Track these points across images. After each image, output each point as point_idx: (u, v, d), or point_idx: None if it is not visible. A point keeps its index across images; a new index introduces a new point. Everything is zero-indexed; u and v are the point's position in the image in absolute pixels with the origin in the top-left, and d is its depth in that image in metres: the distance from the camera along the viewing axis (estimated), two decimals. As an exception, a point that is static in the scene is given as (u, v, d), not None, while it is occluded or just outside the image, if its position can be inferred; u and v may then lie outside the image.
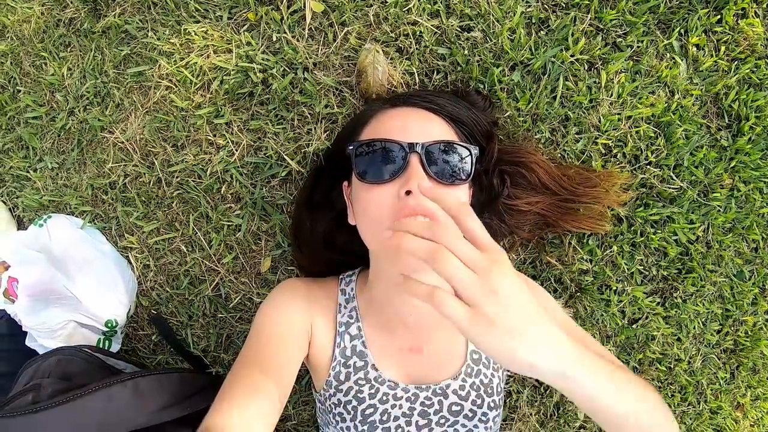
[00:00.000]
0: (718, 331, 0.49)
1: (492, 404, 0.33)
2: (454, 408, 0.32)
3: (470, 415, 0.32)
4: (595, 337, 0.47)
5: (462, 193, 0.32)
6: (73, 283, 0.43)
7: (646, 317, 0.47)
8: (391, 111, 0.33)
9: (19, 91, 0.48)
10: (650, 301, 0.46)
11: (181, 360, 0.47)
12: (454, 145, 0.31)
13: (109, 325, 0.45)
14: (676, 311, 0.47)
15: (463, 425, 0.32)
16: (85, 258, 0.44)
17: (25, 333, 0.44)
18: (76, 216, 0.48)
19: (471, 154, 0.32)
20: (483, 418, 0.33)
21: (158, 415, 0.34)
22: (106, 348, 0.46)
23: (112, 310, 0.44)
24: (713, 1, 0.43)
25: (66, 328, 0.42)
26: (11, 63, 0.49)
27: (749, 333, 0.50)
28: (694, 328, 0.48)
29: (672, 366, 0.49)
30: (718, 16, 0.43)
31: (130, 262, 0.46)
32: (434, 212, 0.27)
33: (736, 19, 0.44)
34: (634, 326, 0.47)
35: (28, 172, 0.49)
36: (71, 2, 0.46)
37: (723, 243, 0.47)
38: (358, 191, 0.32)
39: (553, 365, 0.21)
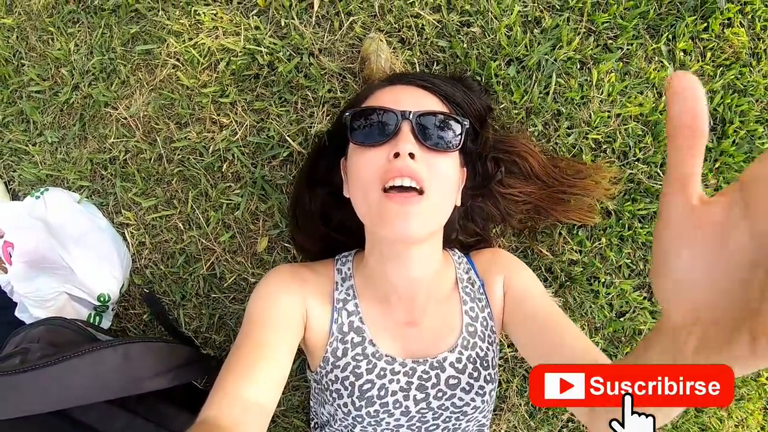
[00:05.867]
0: (703, 328, 0.52)
1: (488, 377, 0.34)
2: (451, 381, 0.33)
3: (467, 388, 0.33)
4: (583, 329, 0.49)
5: (452, 165, 0.33)
6: (68, 254, 0.44)
7: (634, 311, 0.50)
8: (388, 87, 0.35)
9: (24, 64, 0.50)
10: (637, 295, 0.49)
11: (172, 340, 0.49)
12: (446, 117, 0.33)
13: (102, 299, 0.46)
14: (662, 306, 0.50)
15: (460, 398, 0.33)
16: (81, 230, 0.46)
17: (14, 305, 0.45)
18: (74, 191, 0.49)
19: (462, 126, 0.33)
20: (480, 392, 0.34)
21: (146, 383, 0.35)
22: (96, 324, 0.47)
23: (106, 284, 0.46)
24: (700, 10, 0.47)
25: (58, 299, 0.44)
26: (17, 37, 0.51)
27: (733, 331, 0.53)
28: (680, 323, 0.51)
29: (658, 361, 0.51)
30: (705, 24, 0.47)
31: (125, 239, 0.48)
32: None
33: (722, 27, 0.48)
34: (621, 319, 0.49)
35: (27, 145, 0.51)
36: (81, -20, 0.48)
37: (708, 241, 0.50)
38: (352, 156, 0.34)
39: None
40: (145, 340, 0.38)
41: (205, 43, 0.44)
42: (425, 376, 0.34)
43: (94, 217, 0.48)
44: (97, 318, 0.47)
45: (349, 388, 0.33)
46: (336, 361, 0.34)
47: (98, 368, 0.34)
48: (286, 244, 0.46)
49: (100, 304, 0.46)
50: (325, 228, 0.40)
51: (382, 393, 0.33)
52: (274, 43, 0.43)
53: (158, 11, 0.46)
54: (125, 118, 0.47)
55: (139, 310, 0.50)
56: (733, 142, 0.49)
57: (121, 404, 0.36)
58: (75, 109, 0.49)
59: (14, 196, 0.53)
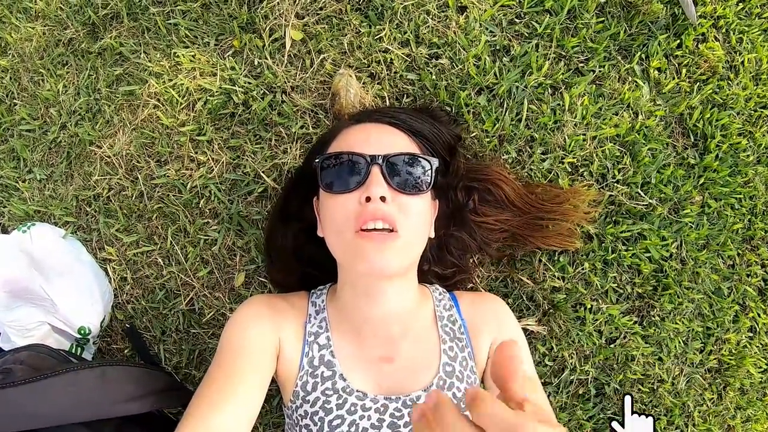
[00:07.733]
0: (701, 351, 0.50)
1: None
2: None
3: None
4: (572, 357, 0.48)
5: (423, 203, 0.34)
6: (50, 287, 0.45)
7: (624, 336, 0.48)
8: (355, 126, 0.36)
9: (16, 104, 0.53)
10: (627, 320, 0.48)
11: (151, 367, 0.49)
12: (415, 157, 0.34)
13: (82, 332, 0.47)
14: (655, 330, 0.49)
15: None
16: (64, 265, 0.47)
17: (-3, 334, 0.46)
18: (60, 227, 0.51)
19: (431, 166, 0.34)
20: None
21: (123, 406, 0.35)
22: (78, 355, 0.47)
23: (87, 317, 0.46)
24: (672, 27, 0.48)
25: (40, 329, 0.44)
26: (10, 78, 0.54)
27: (733, 352, 0.51)
28: (675, 347, 0.49)
29: (655, 387, 0.49)
30: (678, 41, 0.48)
31: (108, 274, 0.49)
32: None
33: (696, 43, 0.49)
34: (612, 346, 0.48)
35: (17, 182, 0.53)
36: (72, 24, 0.51)
37: (698, 260, 0.49)
38: (324, 201, 0.35)
39: None
40: (123, 363, 0.38)
41: (183, 84, 0.46)
42: (398, 414, 0.33)
43: (78, 252, 0.50)
44: (79, 349, 0.48)
45: (318, 423, 0.32)
46: (306, 396, 0.33)
47: (75, 387, 0.34)
48: (262, 279, 0.47)
49: (80, 336, 0.47)
50: (299, 263, 0.41)
51: (353, 429, 0.32)
52: (249, 82, 0.45)
53: (140, 54, 0.49)
54: (109, 157, 0.49)
55: (120, 345, 0.50)
56: (717, 156, 0.49)
57: (98, 430, 0.36)
58: (62, 148, 0.52)
59: (3, 231, 0.55)
